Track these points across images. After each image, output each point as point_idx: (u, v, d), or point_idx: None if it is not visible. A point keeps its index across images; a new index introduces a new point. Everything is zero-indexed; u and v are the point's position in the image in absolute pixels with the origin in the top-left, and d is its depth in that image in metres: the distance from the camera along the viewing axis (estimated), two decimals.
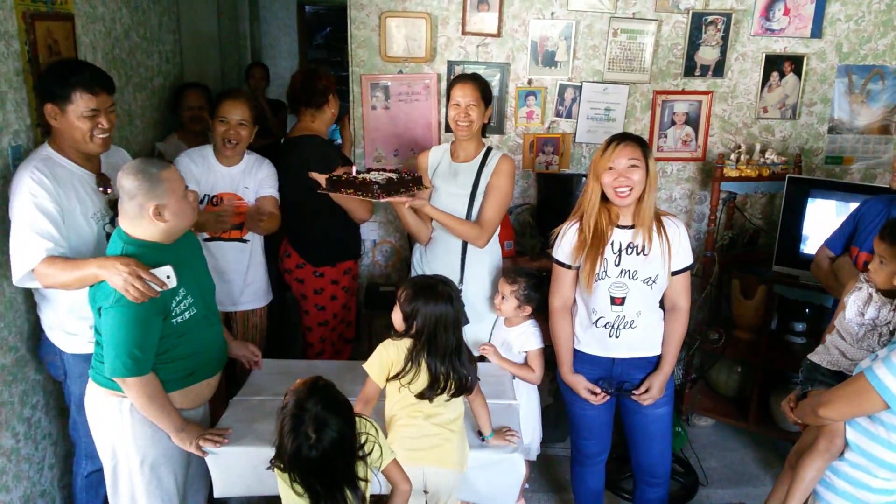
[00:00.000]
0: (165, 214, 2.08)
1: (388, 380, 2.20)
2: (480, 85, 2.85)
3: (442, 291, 2.18)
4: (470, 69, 3.61)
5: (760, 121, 3.80)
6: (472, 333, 2.94)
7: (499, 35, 3.63)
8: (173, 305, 2.12)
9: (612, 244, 2.44)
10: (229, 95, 2.97)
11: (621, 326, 2.48)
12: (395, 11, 3.58)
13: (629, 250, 2.43)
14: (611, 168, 2.37)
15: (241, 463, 2.25)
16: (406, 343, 2.19)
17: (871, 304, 2.21)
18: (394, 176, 2.71)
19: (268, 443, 2.22)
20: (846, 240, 2.56)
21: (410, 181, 2.72)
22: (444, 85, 3.63)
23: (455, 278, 2.90)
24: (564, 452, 3.53)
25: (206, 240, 2.93)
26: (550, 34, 3.63)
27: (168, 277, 2.08)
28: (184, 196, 2.13)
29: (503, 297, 2.81)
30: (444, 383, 2.16)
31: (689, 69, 3.70)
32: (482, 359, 2.82)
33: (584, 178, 3.63)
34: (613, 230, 2.44)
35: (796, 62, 3.70)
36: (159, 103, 3.74)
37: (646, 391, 2.53)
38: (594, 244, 2.43)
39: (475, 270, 2.94)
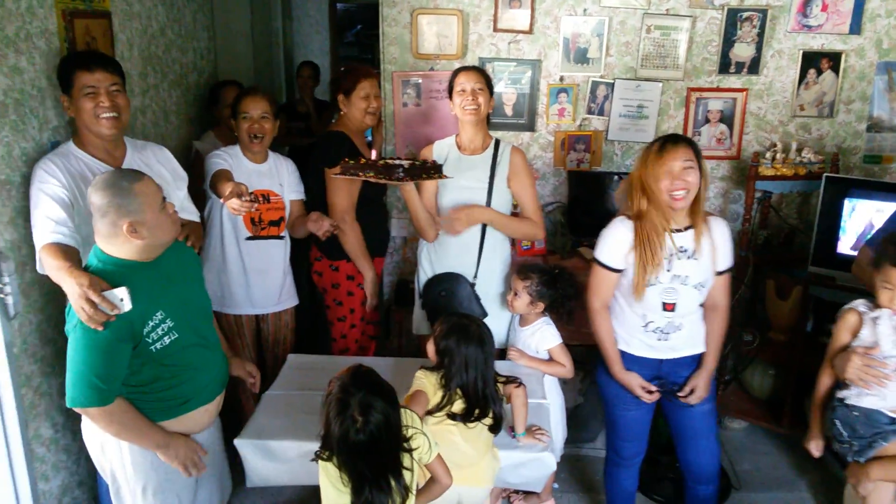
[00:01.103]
0: (142, 231, 1.92)
1: (428, 412, 2.22)
2: (483, 72, 2.86)
3: (475, 333, 2.24)
4: (501, 66, 3.61)
5: (797, 119, 3.74)
6: None
7: (530, 32, 3.61)
8: (147, 330, 1.95)
9: (663, 249, 2.37)
10: (248, 92, 2.98)
11: (671, 331, 2.45)
12: (427, 8, 3.59)
13: (681, 254, 2.37)
14: (665, 171, 2.29)
15: (272, 458, 2.28)
16: (438, 375, 2.24)
17: None
18: (416, 161, 2.70)
19: (299, 437, 2.26)
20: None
21: (432, 167, 2.68)
22: None
23: (469, 274, 2.90)
24: (594, 453, 3.51)
25: (248, 238, 2.95)
26: (583, 31, 3.61)
27: (122, 300, 1.87)
28: (161, 209, 1.97)
29: (516, 294, 2.79)
30: (478, 413, 2.21)
31: (724, 66, 3.65)
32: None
33: (615, 176, 3.63)
34: (665, 235, 2.36)
35: (834, 59, 3.63)
36: (195, 100, 3.79)
37: (691, 391, 2.50)
38: (646, 251, 2.35)
39: (489, 266, 2.94)
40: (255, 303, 3.02)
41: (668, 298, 2.39)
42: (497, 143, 2.92)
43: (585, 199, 3.68)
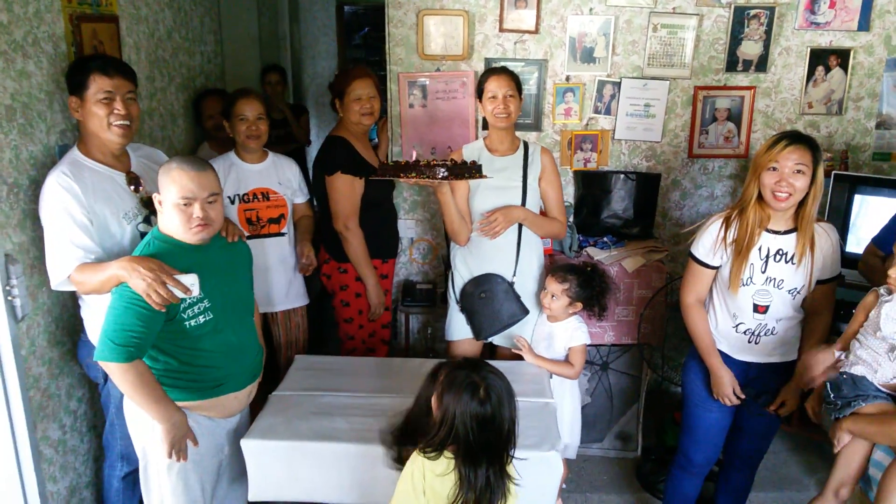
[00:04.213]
0: (163, 207, 2.10)
1: None
2: (514, 76, 2.87)
3: (483, 396, 1.83)
4: (507, 66, 3.60)
5: (805, 116, 3.72)
6: (518, 328, 2.96)
7: (536, 32, 3.61)
8: (183, 306, 2.09)
9: (759, 249, 2.34)
10: (241, 94, 3.00)
11: (762, 333, 2.42)
12: (433, 9, 3.59)
13: (777, 257, 2.33)
14: (774, 168, 2.24)
15: (278, 458, 2.27)
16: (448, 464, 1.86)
17: None
18: (457, 161, 2.72)
19: (305, 438, 2.27)
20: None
21: (474, 169, 2.69)
22: None
23: (507, 273, 2.92)
24: (601, 453, 3.50)
25: (247, 238, 2.96)
26: (589, 30, 3.60)
27: (192, 285, 2.06)
28: (174, 205, 2.07)
29: (553, 297, 2.78)
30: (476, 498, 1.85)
31: (731, 64, 3.64)
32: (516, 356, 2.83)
33: (623, 176, 3.61)
34: (762, 234, 2.33)
35: (842, 56, 3.61)
36: None
37: (782, 404, 2.46)
38: (741, 245, 2.33)
39: (527, 263, 2.96)
40: (262, 301, 3.02)
41: (760, 300, 2.37)
42: (526, 144, 2.96)
43: (592, 198, 3.67)
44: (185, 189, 2.06)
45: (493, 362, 2.81)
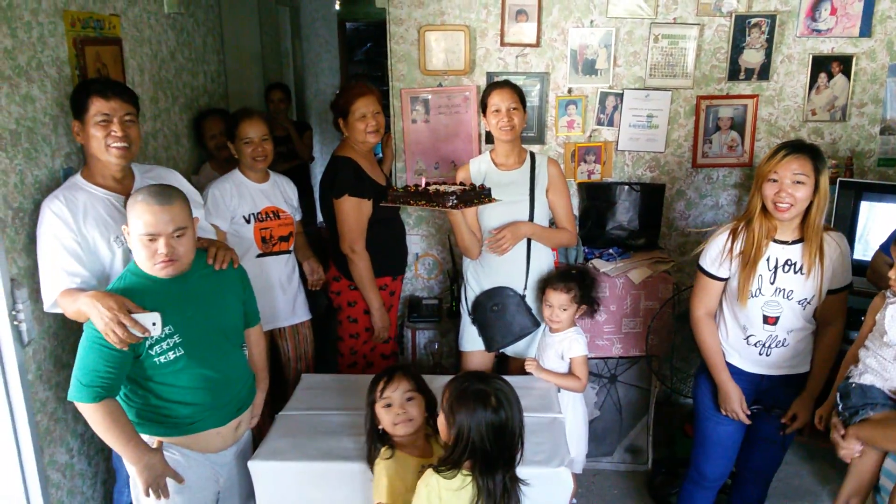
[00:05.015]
0: (131, 241, 2.04)
1: None
2: (517, 89, 2.88)
3: (496, 404, 1.84)
4: (510, 80, 3.60)
5: (809, 123, 3.71)
6: (527, 339, 3.00)
7: (538, 45, 3.62)
8: (150, 343, 2.03)
9: (767, 260, 2.32)
10: (245, 116, 3.01)
11: (773, 345, 2.40)
12: (434, 25, 3.60)
13: (786, 268, 2.32)
14: (774, 179, 2.23)
15: (286, 479, 2.26)
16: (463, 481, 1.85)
17: None
18: (465, 187, 2.74)
19: (314, 458, 2.25)
20: None
21: (483, 193, 2.72)
22: None
23: (518, 286, 2.94)
24: (611, 467, 3.48)
25: (258, 256, 3.00)
26: (590, 42, 3.60)
27: (154, 325, 1.99)
28: (137, 238, 2.01)
29: (563, 309, 2.77)
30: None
31: (734, 73, 3.63)
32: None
33: (627, 187, 3.61)
34: (770, 244, 2.32)
35: (845, 62, 3.60)
36: None
37: (793, 418, 2.45)
38: (748, 256, 2.32)
39: (537, 278, 2.98)
40: (269, 319, 3.03)
41: (769, 312, 2.35)
42: (533, 156, 2.96)
43: (597, 210, 3.66)
44: (148, 225, 1.98)
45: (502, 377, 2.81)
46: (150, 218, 1.98)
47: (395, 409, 2.10)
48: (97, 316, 1.96)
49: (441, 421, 1.89)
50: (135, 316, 1.98)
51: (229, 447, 2.28)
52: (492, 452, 1.82)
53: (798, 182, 2.20)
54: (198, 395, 2.14)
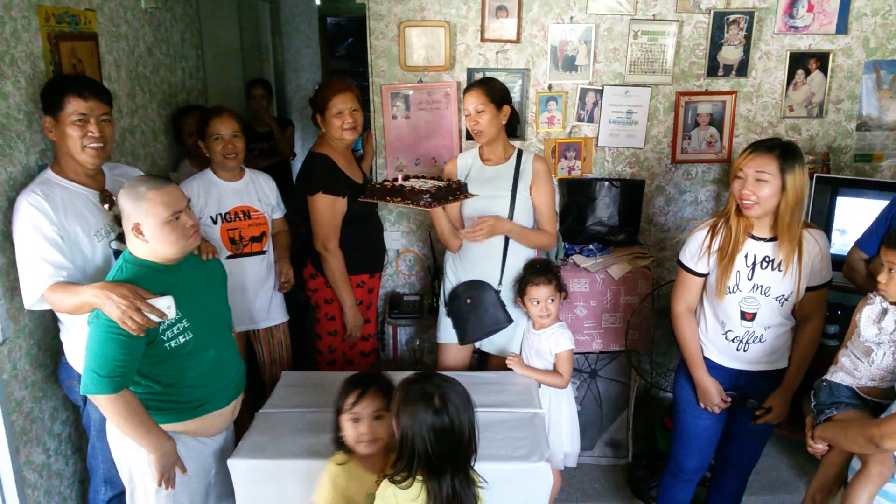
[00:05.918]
0: (146, 233, 2.06)
1: None
2: (487, 88, 2.83)
3: (439, 405, 1.80)
4: (489, 76, 3.61)
5: (786, 120, 3.74)
6: (506, 336, 2.99)
7: (518, 41, 3.62)
8: (162, 328, 2.08)
9: (745, 256, 2.34)
10: (215, 113, 2.97)
11: (750, 341, 2.42)
12: (414, 21, 3.59)
13: (764, 264, 2.33)
14: (739, 176, 2.26)
15: (265, 477, 2.25)
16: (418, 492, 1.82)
17: (886, 319, 2.08)
18: (441, 183, 2.73)
19: (293, 456, 2.25)
20: (880, 240, 2.48)
21: (458, 189, 2.71)
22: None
23: (494, 281, 2.94)
24: (592, 461, 3.50)
25: (228, 257, 2.94)
26: (570, 38, 3.61)
27: (168, 308, 2.04)
28: (165, 223, 2.05)
29: (551, 300, 2.78)
30: None
31: (712, 69, 3.66)
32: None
33: (607, 183, 3.62)
34: (748, 241, 2.34)
35: (822, 59, 3.63)
36: None
37: (768, 410, 2.46)
38: (726, 252, 2.34)
39: (513, 273, 2.96)
40: (244, 320, 3.01)
41: (747, 307, 2.37)
42: (520, 153, 2.95)
43: (577, 206, 3.67)
44: (170, 205, 2.06)
45: (481, 373, 2.81)
46: (169, 199, 2.06)
47: (361, 428, 2.02)
48: (112, 305, 1.97)
49: (393, 425, 1.86)
50: (150, 301, 2.02)
51: (223, 431, 2.35)
52: (434, 455, 1.77)
53: (760, 180, 2.22)
54: (204, 378, 2.21)
